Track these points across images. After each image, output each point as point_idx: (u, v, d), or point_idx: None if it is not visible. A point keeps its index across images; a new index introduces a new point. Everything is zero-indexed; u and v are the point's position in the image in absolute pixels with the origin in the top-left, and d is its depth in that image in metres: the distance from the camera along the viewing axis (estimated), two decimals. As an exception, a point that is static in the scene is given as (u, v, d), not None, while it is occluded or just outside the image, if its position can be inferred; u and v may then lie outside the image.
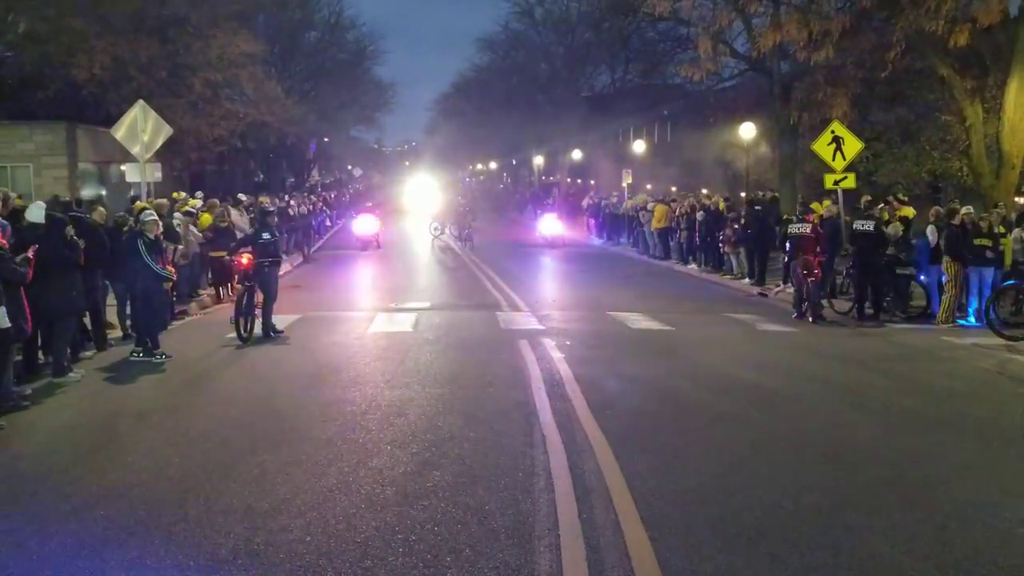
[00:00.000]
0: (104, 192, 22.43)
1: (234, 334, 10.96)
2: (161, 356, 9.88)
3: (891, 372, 9.82)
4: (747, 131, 25.09)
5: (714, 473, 5.96)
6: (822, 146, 16.56)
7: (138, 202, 14.57)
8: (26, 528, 4.98)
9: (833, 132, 16.60)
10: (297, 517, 5.09)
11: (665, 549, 4.64)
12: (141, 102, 16.03)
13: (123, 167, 18.24)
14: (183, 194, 17.57)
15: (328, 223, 36.38)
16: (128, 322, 11.19)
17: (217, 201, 17.66)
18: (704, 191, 27.72)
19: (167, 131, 15.97)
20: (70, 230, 8.95)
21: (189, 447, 6.57)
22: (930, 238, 13.53)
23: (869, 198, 16.87)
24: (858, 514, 5.21)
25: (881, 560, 4.58)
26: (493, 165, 79.20)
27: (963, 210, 13.27)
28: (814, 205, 16.66)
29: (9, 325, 7.51)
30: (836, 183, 16.38)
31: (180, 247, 12.99)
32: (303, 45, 46.81)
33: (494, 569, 4.41)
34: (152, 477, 5.87)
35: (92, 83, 22.83)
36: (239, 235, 14.15)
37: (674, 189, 34.23)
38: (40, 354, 9.33)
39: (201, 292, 15.23)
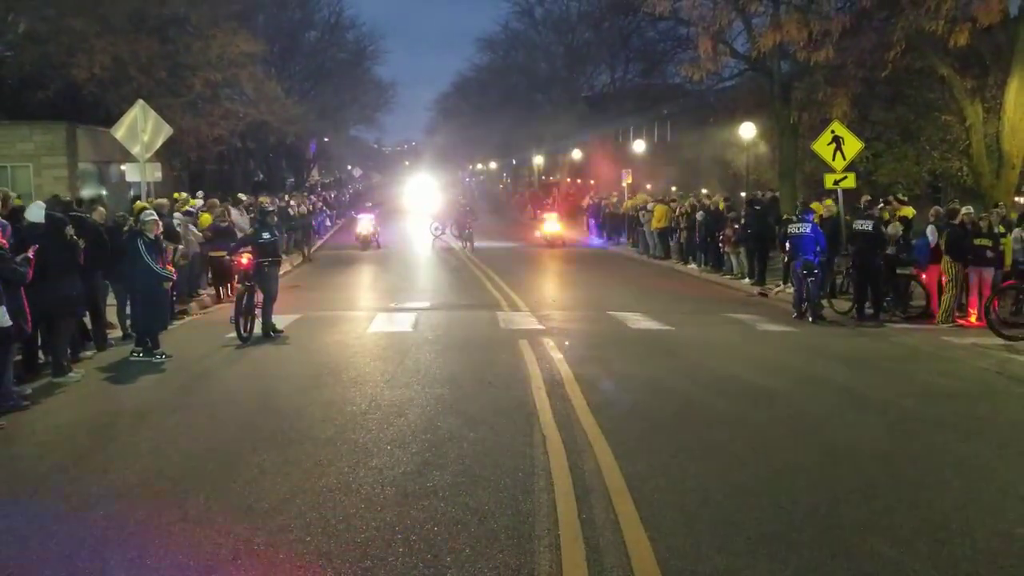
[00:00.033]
0: (104, 192, 22.42)
1: (234, 334, 10.96)
2: (161, 356, 9.88)
3: (891, 372, 9.82)
4: (747, 131, 25.12)
5: (714, 473, 5.96)
6: (822, 146, 16.56)
7: (138, 202, 14.58)
8: (26, 528, 4.98)
9: (833, 132, 16.60)
10: (297, 517, 5.09)
11: (665, 549, 4.64)
12: (141, 102, 16.03)
13: (123, 167, 18.28)
14: (184, 194, 17.57)
15: (328, 223, 36.38)
16: (128, 322, 11.19)
17: (217, 201, 17.66)
18: (704, 191, 27.71)
19: (167, 131, 15.97)
20: (70, 230, 8.95)
21: (189, 447, 6.57)
22: (930, 238, 13.52)
23: (869, 198, 16.88)
24: (857, 514, 5.21)
25: (880, 560, 4.58)
26: (493, 165, 79.21)
27: (963, 210, 13.26)
28: (814, 205, 16.66)
29: (11, 323, 7.51)
30: (836, 183, 16.37)
31: (180, 247, 12.99)
32: (303, 45, 46.83)
33: (494, 569, 4.41)
34: (152, 477, 5.87)
35: (92, 83, 22.86)
36: (239, 235, 14.15)
37: (674, 189, 34.24)
38: (40, 354, 9.33)
39: (201, 292, 15.23)
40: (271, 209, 13.89)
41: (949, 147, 21.74)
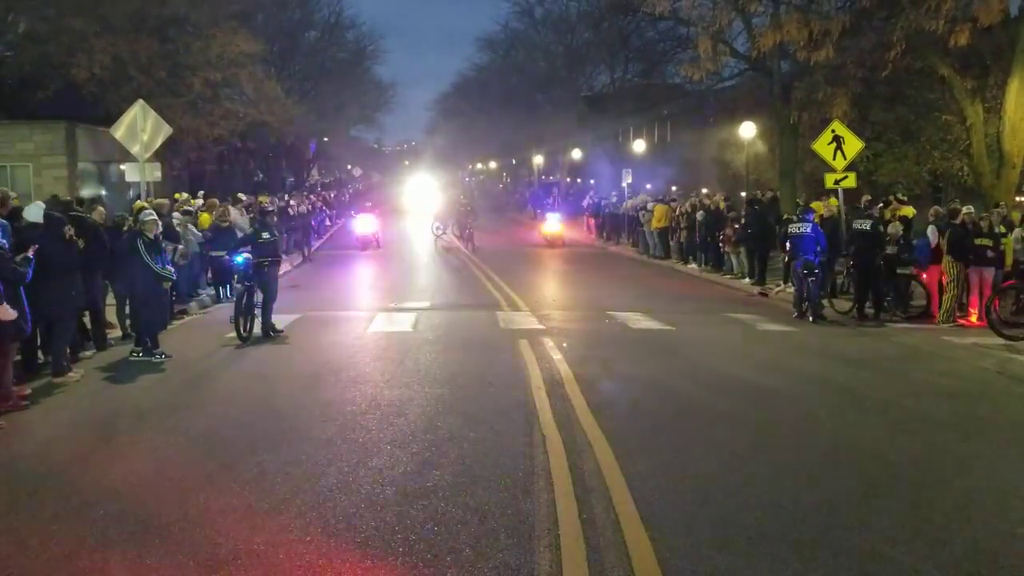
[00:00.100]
0: (104, 192, 22.42)
1: (234, 334, 10.95)
2: (160, 356, 9.88)
3: (892, 372, 9.82)
4: (747, 131, 25.10)
5: (714, 473, 5.96)
6: (822, 145, 16.56)
7: (138, 201, 14.57)
8: (26, 528, 4.97)
9: (833, 131, 16.60)
10: (297, 517, 5.08)
11: (665, 549, 4.63)
12: (141, 101, 16.03)
13: (123, 167, 18.28)
14: (185, 195, 17.58)
15: (328, 223, 36.37)
16: (128, 322, 11.18)
17: (216, 201, 17.65)
18: (704, 191, 27.71)
19: (167, 131, 15.96)
20: (69, 230, 8.94)
21: (189, 447, 6.57)
22: (931, 238, 13.52)
23: (869, 198, 16.87)
24: (858, 514, 5.21)
25: (881, 560, 4.58)
26: (493, 165, 79.23)
27: (964, 210, 13.26)
28: (815, 204, 16.66)
29: (15, 315, 7.52)
30: (836, 182, 16.38)
31: (180, 247, 12.98)
32: (303, 45, 46.82)
33: (494, 569, 4.41)
34: (152, 477, 5.86)
35: (92, 83, 22.84)
36: (239, 235, 14.14)
37: (674, 189, 34.24)
38: (40, 354, 9.33)
39: (201, 292, 15.22)
40: (271, 209, 13.88)
41: (949, 147, 21.75)
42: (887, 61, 17.83)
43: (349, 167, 78.25)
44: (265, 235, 11.72)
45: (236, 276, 11.96)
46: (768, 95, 24.62)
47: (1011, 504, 5.44)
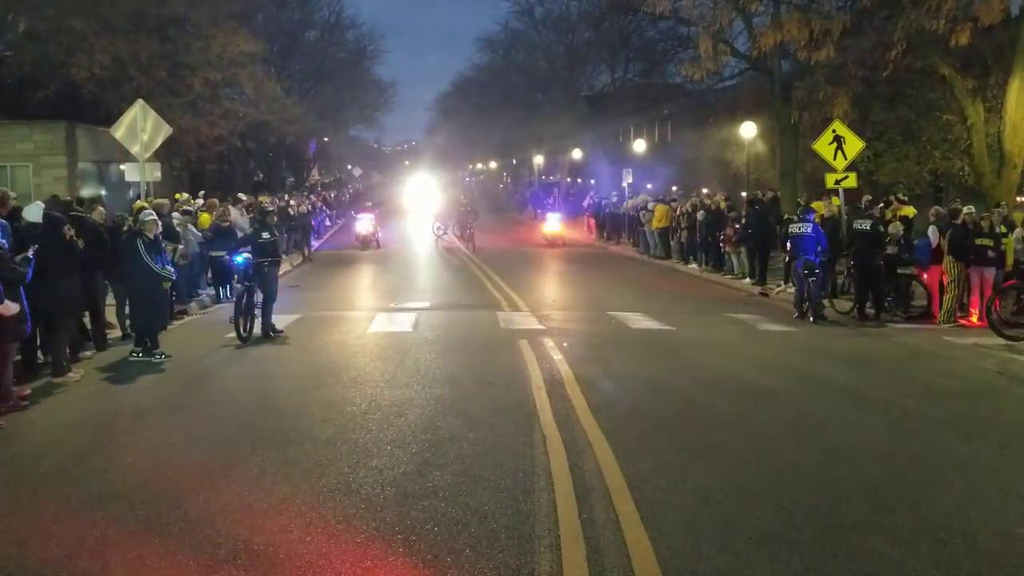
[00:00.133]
0: (104, 192, 22.43)
1: (234, 334, 10.95)
2: (160, 356, 9.87)
3: (892, 372, 9.81)
4: (747, 130, 25.10)
5: (715, 473, 5.95)
6: (823, 145, 16.55)
7: (137, 202, 14.57)
8: (26, 528, 4.97)
9: (834, 131, 16.59)
10: (297, 517, 5.08)
11: (665, 549, 4.63)
12: (140, 101, 16.03)
13: (123, 166, 18.28)
14: (186, 195, 17.56)
15: (328, 223, 36.38)
16: (127, 322, 11.18)
17: (216, 201, 17.64)
18: (705, 191, 27.71)
19: (166, 130, 15.96)
20: (68, 229, 8.94)
21: (189, 447, 6.56)
22: (931, 238, 13.51)
23: (870, 197, 16.87)
24: (858, 514, 5.20)
25: (881, 560, 4.57)
26: (493, 164, 79.21)
27: (964, 209, 13.25)
28: (815, 204, 16.66)
29: (18, 308, 7.52)
30: (837, 182, 16.37)
31: (180, 247, 12.98)
32: (303, 44, 46.81)
33: (494, 569, 4.40)
34: (152, 477, 5.86)
35: (92, 82, 22.85)
36: (239, 235, 14.14)
37: (675, 188, 34.24)
38: (39, 354, 9.32)
39: (201, 292, 15.22)
40: (271, 209, 13.87)
41: (950, 147, 21.75)
42: (888, 61, 17.83)
43: (349, 167, 78.29)
44: (265, 235, 11.72)
45: (236, 276, 11.96)
46: (769, 95, 24.62)
47: (1011, 504, 5.43)
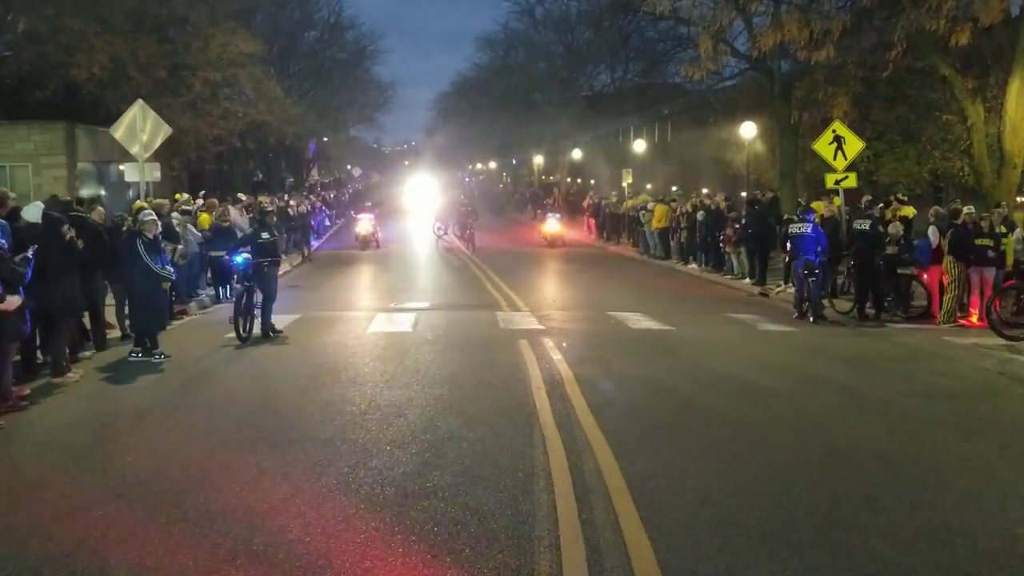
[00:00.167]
0: (103, 192, 22.42)
1: (233, 334, 10.95)
2: (160, 356, 9.87)
3: (892, 372, 9.80)
4: (747, 130, 25.09)
5: (714, 473, 5.95)
6: (823, 145, 16.55)
7: (137, 202, 14.56)
8: (26, 528, 4.97)
9: (834, 131, 16.59)
10: (296, 517, 5.08)
11: (665, 549, 4.63)
12: (140, 101, 16.02)
13: (122, 167, 18.26)
14: (186, 195, 17.55)
15: (327, 223, 36.37)
16: (127, 322, 11.18)
17: (216, 201, 17.63)
18: (705, 191, 27.70)
19: (166, 130, 15.96)
20: (67, 230, 8.93)
21: (188, 447, 6.56)
22: (931, 238, 13.51)
23: (870, 198, 16.87)
24: (858, 514, 5.20)
25: (881, 560, 4.57)
26: (493, 165, 79.18)
27: (964, 210, 13.25)
28: (816, 204, 16.66)
29: (20, 300, 7.51)
30: (837, 183, 16.37)
31: (179, 247, 12.97)
32: (302, 44, 46.78)
33: (494, 570, 4.40)
34: (152, 477, 5.86)
35: (91, 83, 22.83)
36: (239, 235, 14.13)
37: (674, 188, 34.23)
38: (39, 354, 9.32)
39: (200, 292, 15.21)
40: (270, 209, 13.87)
41: (950, 147, 21.74)
42: (888, 61, 17.83)
43: (349, 167, 78.25)
44: (265, 235, 11.71)
45: (236, 276, 11.96)
46: (768, 95, 24.61)
47: (1011, 504, 5.43)
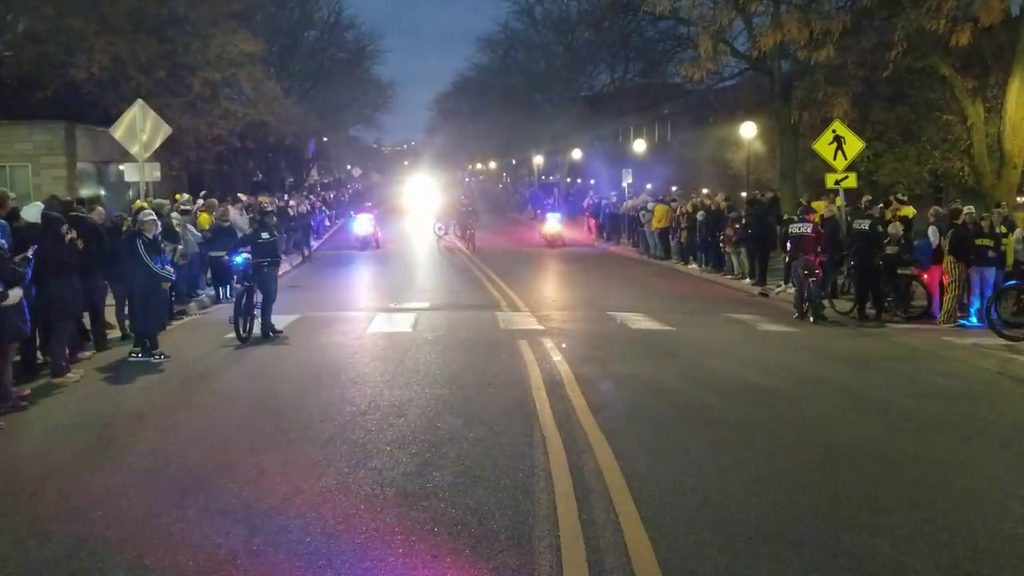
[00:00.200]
0: (103, 192, 22.41)
1: (233, 334, 10.94)
2: (160, 356, 9.87)
3: (892, 372, 9.80)
4: (747, 130, 25.09)
5: (714, 473, 5.95)
6: (823, 145, 16.55)
7: (137, 202, 14.56)
8: (26, 528, 4.96)
9: (834, 131, 16.59)
10: (296, 518, 5.08)
11: (665, 549, 4.63)
12: (140, 101, 16.02)
13: (122, 167, 18.25)
14: (187, 196, 17.55)
15: (327, 223, 36.37)
16: (127, 322, 11.18)
17: (215, 201, 17.63)
18: (704, 191, 27.70)
19: (166, 130, 15.96)
20: (66, 229, 8.93)
21: (188, 447, 6.56)
22: (931, 239, 13.51)
23: (870, 198, 16.86)
24: (858, 514, 5.20)
25: (881, 560, 4.57)
26: (493, 165, 79.17)
27: (965, 210, 13.25)
28: (816, 204, 16.65)
29: (22, 293, 7.51)
30: (837, 183, 16.37)
31: (179, 247, 12.98)
32: (302, 44, 46.77)
33: (494, 570, 4.40)
34: (151, 477, 5.86)
35: (91, 82, 22.82)
36: (239, 235, 14.13)
37: (674, 188, 34.23)
38: (39, 354, 9.32)
39: (200, 292, 15.21)
40: (270, 209, 13.87)
41: (950, 147, 21.73)
42: (888, 61, 17.82)
43: (348, 167, 78.28)
44: (264, 235, 11.72)
45: (235, 276, 11.96)
46: (768, 95, 24.62)
47: (1011, 504, 5.43)
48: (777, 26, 20.18)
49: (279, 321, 11.84)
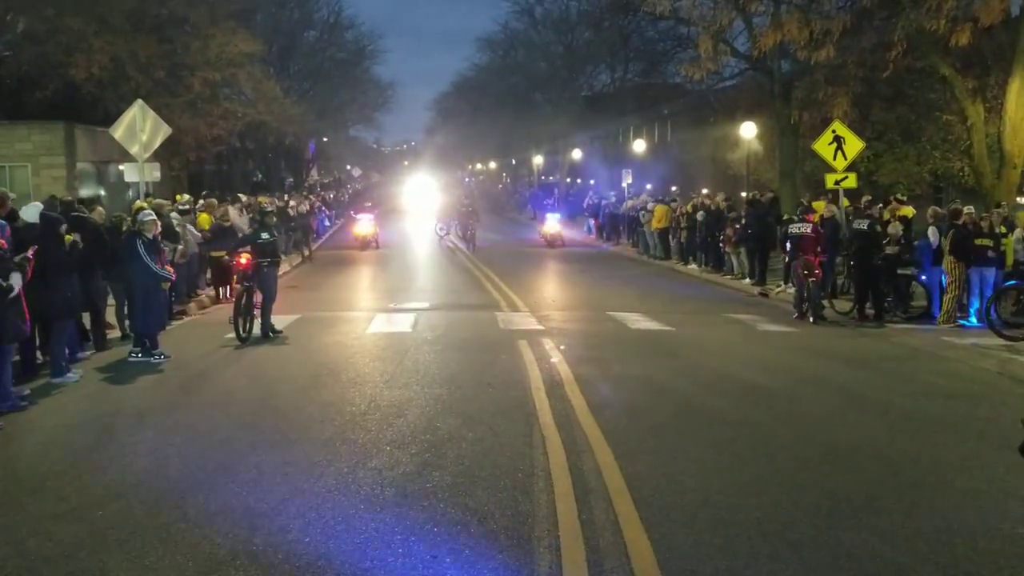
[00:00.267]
0: (103, 192, 22.41)
1: (233, 334, 10.94)
2: (159, 356, 9.87)
3: (892, 372, 9.81)
4: (747, 130, 25.09)
5: (714, 473, 5.95)
6: (823, 145, 16.55)
7: (137, 202, 14.55)
8: (26, 528, 4.96)
9: (834, 131, 16.59)
10: (296, 518, 5.07)
11: (665, 549, 4.63)
12: (140, 101, 16.02)
13: (121, 167, 18.25)
14: (187, 196, 17.56)
15: (327, 223, 36.36)
16: (127, 322, 11.17)
17: (215, 201, 17.62)
18: (704, 191, 27.70)
19: (165, 131, 15.95)
20: (64, 229, 8.92)
21: (188, 447, 6.56)
22: (931, 239, 13.51)
23: (869, 198, 16.87)
24: (858, 514, 5.20)
25: (881, 560, 4.57)
26: (492, 165, 79.18)
27: (965, 210, 13.25)
28: (816, 204, 16.65)
29: (20, 286, 7.50)
30: (837, 183, 16.37)
31: (179, 247, 12.97)
32: (302, 44, 46.79)
33: (494, 570, 4.40)
34: (151, 477, 5.85)
35: (90, 83, 22.83)
36: (239, 235, 14.13)
37: (674, 189, 34.22)
38: (38, 354, 9.31)
39: (200, 292, 15.20)
40: (270, 209, 13.87)
41: (950, 147, 21.72)
42: (888, 61, 17.82)
43: (348, 167, 78.29)
44: (264, 235, 11.72)
45: (236, 276, 11.96)
46: (768, 95, 24.61)
47: (1011, 504, 5.43)
48: (777, 26, 20.18)
49: (279, 321, 11.84)
